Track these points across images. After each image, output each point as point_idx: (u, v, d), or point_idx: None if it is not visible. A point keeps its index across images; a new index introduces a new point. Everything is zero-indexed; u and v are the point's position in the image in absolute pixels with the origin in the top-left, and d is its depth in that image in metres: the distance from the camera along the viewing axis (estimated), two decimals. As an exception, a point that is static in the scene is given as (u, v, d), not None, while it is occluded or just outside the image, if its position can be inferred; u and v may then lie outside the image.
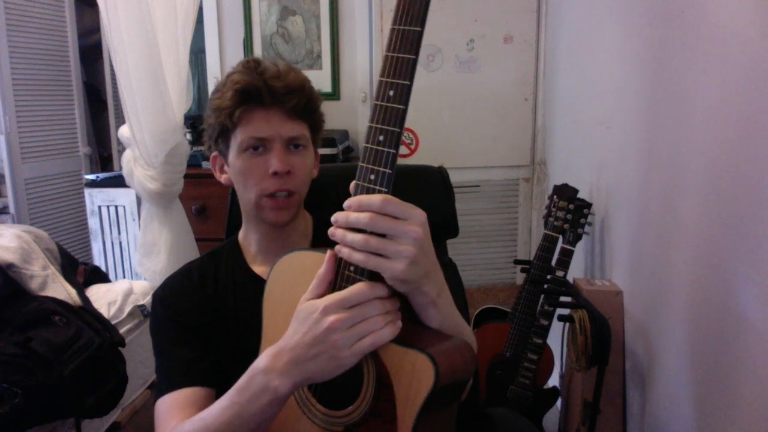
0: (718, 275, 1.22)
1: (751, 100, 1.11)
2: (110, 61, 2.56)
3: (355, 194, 0.71)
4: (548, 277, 1.81)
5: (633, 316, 1.65)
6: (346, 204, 0.70)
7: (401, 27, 0.68)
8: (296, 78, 0.96)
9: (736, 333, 1.15)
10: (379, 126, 0.70)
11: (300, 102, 0.95)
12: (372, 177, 0.71)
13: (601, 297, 1.67)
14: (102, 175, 2.70)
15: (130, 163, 2.04)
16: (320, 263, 0.75)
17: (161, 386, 0.93)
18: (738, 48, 1.16)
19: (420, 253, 0.68)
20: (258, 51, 2.75)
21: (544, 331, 1.80)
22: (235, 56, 2.77)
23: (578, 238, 1.78)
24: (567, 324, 1.67)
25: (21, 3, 2.90)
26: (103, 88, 3.49)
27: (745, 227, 1.12)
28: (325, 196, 1.21)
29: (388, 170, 0.70)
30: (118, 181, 2.40)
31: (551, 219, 1.80)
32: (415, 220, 0.68)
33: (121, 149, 2.53)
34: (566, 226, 1.78)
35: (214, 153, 1.03)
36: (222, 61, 2.77)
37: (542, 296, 1.82)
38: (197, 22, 2.02)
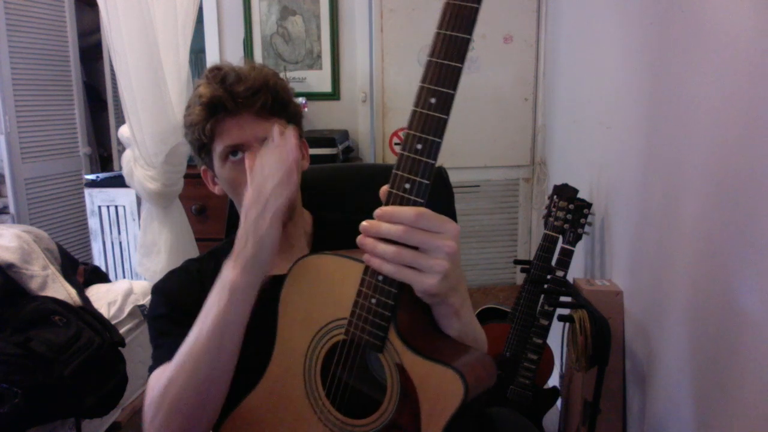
0: (719, 275, 1.22)
1: (751, 100, 1.11)
2: (110, 61, 2.56)
3: (387, 203, 0.69)
4: (548, 277, 1.80)
5: (633, 316, 1.65)
6: (377, 213, 0.68)
7: (448, 32, 0.65)
8: (258, 76, 0.93)
9: (737, 333, 1.15)
10: (417, 134, 0.67)
11: (267, 100, 0.93)
12: (407, 186, 0.68)
13: (601, 297, 1.67)
14: (102, 175, 2.70)
15: (130, 163, 2.04)
16: (342, 268, 0.74)
17: (155, 361, 0.91)
18: (738, 48, 1.16)
19: (452, 267, 0.67)
20: (258, 51, 2.76)
21: (544, 331, 1.80)
22: (235, 56, 2.77)
23: (578, 238, 1.78)
24: (567, 324, 1.67)
25: (21, 3, 2.91)
26: (103, 88, 3.49)
27: (746, 227, 1.12)
28: (324, 194, 1.22)
29: (425, 181, 0.67)
30: (118, 181, 2.40)
31: (551, 219, 1.80)
32: (449, 234, 0.67)
33: (121, 149, 2.53)
34: (566, 226, 1.78)
35: (203, 167, 1.03)
36: (222, 61, 2.77)
37: (542, 296, 1.82)
38: (197, 22, 2.02)
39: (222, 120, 0.93)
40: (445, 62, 0.65)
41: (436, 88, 0.66)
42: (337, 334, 0.76)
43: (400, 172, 0.68)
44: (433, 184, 0.67)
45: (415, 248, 0.67)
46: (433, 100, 0.66)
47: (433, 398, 0.69)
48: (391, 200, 0.69)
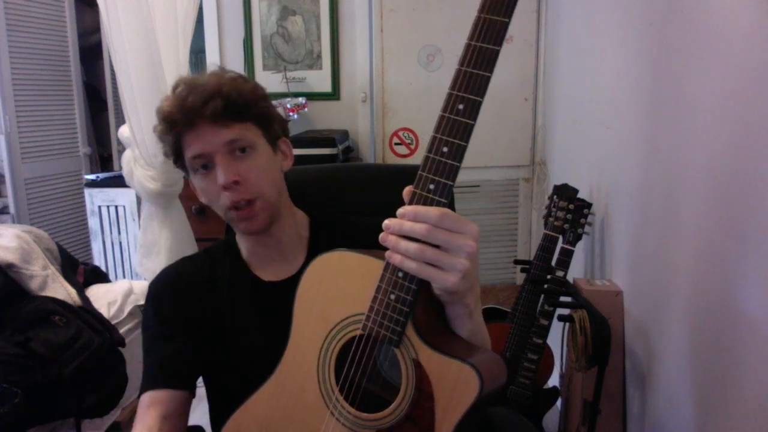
0: (719, 275, 1.22)
1: (751, 100, 1.11)
2: (110, 61, 2.56)
3: (411, 202, 0.71)
4: (548, 277, 1.80)
5: (633, 316, 1.65)
6: (400, 212, 0.70)
7: (479, 44, 0.67)
8: (209, 83, 0.92)
9: (737, 333, 1.15)
10: (444, 137, 0.70)
11: (218, 106, 0.90)
12: (431, 187, 0.70)
13: (601, 297, 1.67)
14: (102, 175, 2.71)
15: (130, 163, 2.04)
16: (362, 265, 0.76)
17: (141, 383, 0.97)
18: (738, 48, 1.16)
19: (472, 267, 0.69)
20: (258, 51, 2.76)
21: (544, 331, 1.80)
22: (235, 56, 2.77)
23: (578, 238, 1.78)
24: (567, 324, 1.67)
25: (21, 3, 2.91)
26: (103, 88, 3.50)
27: (746, 227, 1.12)
28: (320, 195, 1.22)
29: (449, 182, 0.70)
30: (118, 181, 2.41)
31: (551, 219, 1.80)
32: (470, 235, 0.69)
33: (121, 149, 2.53)
34: (566, 226, 1.78)
35: (188, 179, 1.02)
36: (222, 61, 2.77)
37: (542, 296, 1.82)
38: (197, 22, 2.02)
39: (182, 133, 0.93)
40: (475, 71, 0.68)
41: (464, 95, 0.69)
42: (354, 330, 0.77)
43: (425, 173, 0.70)
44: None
45: (436, 247, 0.68)
46: (461, 107, 0.69)
47: (449, 392, 0.71)
48: (415, 200, 0.71)
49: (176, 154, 0.96)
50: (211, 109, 0.90)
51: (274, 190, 0.97)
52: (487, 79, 0.68)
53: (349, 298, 0.78)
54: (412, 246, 0.68)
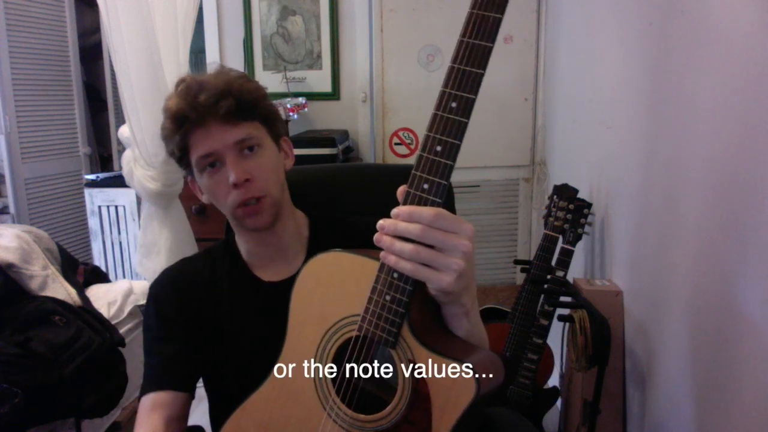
0: (719, 275, 1.22)
1: (751, 100, 1.11)
2: (110, 61, 2.56)
3: (405, 202, 0.71)
4: (548, 277, 1.80)
5: (633, 316, 1.65)
6: (394, 212, 0.69)
7: (471, 40, 0.67)
8: (220, 82, 0.93)
9: (736, 333, 1.15)
10: (437, 136, 0.69)
11: (231, 105, 0.91)
12: (425, 186, 0.69)
13: (601, 297, 1.67)
14: (102, 175, 2.70)
15: (130, 163, 2.04)
16: (357, 266, 0.75)
17: (142, 385, 0.97)
18: (738, 48, 1.16)
19: (468, 266, 0.68)
20: (258, 51, 2.76)
21: (544, 331, 1.80)
22: (236, 56, 2.77)
23: (578, 238, 1.78)
24: (567, 324, 1.67)
25: (21, 3, 2.91)
26: (103, 88, 3.50)
27: (746, 227, 1.12)
28: (320, 195, 1.22)
29: (444, 181, 0.69)
30: (118, 181, 2.40)
31: (551, 219, 1.80)
32: (465, 234, 0.68)
33: (121, 149, 2.53)
34: (566, 226, 1.78)
35: (189, 178, 1.02)
36: (222, 61, 2.77)
37: (542, 296, 1.82)
38: (197, 22, 2.02)
39: (190, 131, 0.93)
40: (467, 68, 0.67)
41: (457, 92, 0.68)
42: (350, 331, 0.77)
43: (419, 173, 0.70)
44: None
45: (431, 247, 0.68)
46: (454, 104, 0.68)
47: (446, 393, 0.70)
48: (410, 200, 0.70)
49: (182, 153, 0.96)
50: (224, 108, 0.91)
51: (279, 188, 0.98)
52: (480, 77, 0.67)
53: (345, 299, 0.78)
54: (407, 247, 0.67)
